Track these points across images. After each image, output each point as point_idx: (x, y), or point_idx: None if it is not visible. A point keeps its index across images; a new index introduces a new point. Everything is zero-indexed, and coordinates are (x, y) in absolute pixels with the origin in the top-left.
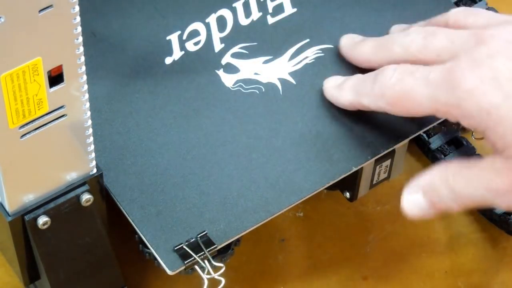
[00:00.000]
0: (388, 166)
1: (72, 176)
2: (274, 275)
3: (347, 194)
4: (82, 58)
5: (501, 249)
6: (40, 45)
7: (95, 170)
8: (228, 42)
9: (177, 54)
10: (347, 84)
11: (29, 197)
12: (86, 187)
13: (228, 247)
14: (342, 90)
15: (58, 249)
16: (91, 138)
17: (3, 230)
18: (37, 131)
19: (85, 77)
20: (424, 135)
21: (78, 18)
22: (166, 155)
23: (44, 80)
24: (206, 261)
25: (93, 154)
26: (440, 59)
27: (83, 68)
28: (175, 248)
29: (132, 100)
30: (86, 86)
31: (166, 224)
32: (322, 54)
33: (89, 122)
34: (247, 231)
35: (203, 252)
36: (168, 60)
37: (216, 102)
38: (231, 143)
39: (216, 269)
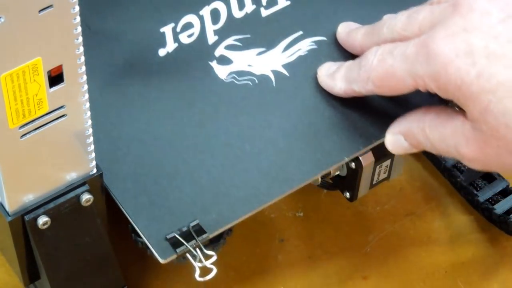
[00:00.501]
0: (388, 166)
1: (72, 176)
2: (274, 275)
3: (347, 194)
4: (82, 58)
5: (501, 249)
6: (40, 45)
7: (95, 170)
8: (222, 34)
9: (170, 46)
10: (339, 73)
11: (29, 197)
12: (86, 187)
13: (220, 236)
14: (335, 79)
15: (58, 249)
16: (91, 138)
17: (3, 230)
18: (37, 131)
19: (85, 77)
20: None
21: (78, 18)
22: (159, 145)
23: (44, 80)
24: (197, 250)
25: (93, 154)
26: (422, 32)
27: (83, 68)
28: (167, 237)
29: (126, 91)
30: (86, 86)
31: (158, 213)
32: (316, 47)
33: (89, 122)
34: (239, 220)
35: (194, 241)
36: (162, 52)
37: (209, 93)
38: (224, 134)
39: (207, 257)
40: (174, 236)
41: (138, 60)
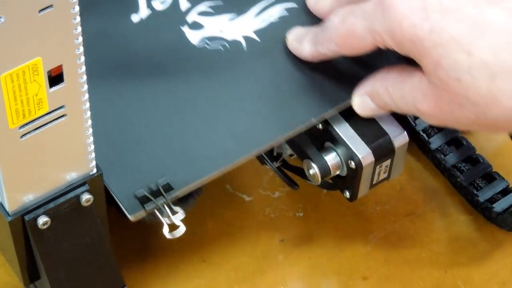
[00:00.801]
0: (388, 166)
1: (72, 176)
2: (274, 275)
3: (347, 194)
4: (82, 58)
5: (501, 248)
6: (40, 45)
7: (95, 170)
8: (194, 0)
9: (144, 12)
10: (306, 37)
11: (29, 197)
12: (86, 187)
13: (189, 195)
14: (302, 44)
15: (58, 249)
16: (91, 138)
17: (3, 230)
18: (37, 131)
19: (85, 77)
20: (424, 135)
21: (78, 18)
22: (131, 107)
23: (44, 80)
24: (166, 207)
25: (93, 154)
26: None
27: (83, 68)
28: (136, 194)
29: (98, 57)
30: (86, 86)
31: (128, 171)
32: (287, 14)
33: (89, 122)
34: (207, 178)
35: (163, 198)
36: (135, 19)
37: (181, 58)
38: (195, 97)
39: (176, 216)
40: (143, 193)
41: (111, 26)
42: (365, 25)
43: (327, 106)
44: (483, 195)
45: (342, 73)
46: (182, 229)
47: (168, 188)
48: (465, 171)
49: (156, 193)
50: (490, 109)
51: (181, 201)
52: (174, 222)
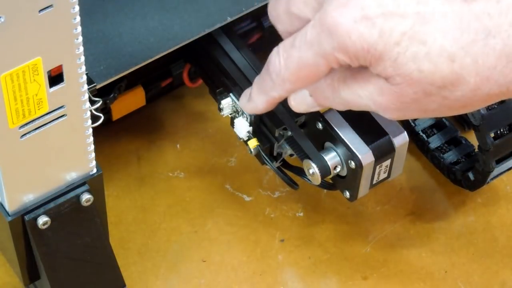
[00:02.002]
0: (388, 166)
1: (72, 176)
2: (274, 275)
3: (347, 194)
4: (82, 58)
5: (501, 249)
6: (40, 45)
7: (95, 170)
8: None
9: None
10: (253, 91)
11: (29, 197)
12: (86, 187)
13: (111, 91)
14: (253, 100)
15: (58, 249)
16: (91, 138)
17: (3, 230)
18: (37, 131)
19: (85, 77)
20: (423, 134)
21: (78, 18)
22: None
23: (44, 80)
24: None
25: (93, 154)
26: (315, 12)
27: (83, 68)
28: None
29: None
30: (86, 86)
31: None
32: None
33: (89, 122)
34: (125, 72)
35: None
36: None
37: None
38: None
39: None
40: None
41: None
42: (315, 52)
43: (243, 6)
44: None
45: None
46: (100, 120)
47: (89, 80)
48: (462, 162)
49: None
50: (456, 88)
51: (103, 96)
52: (92, 111)
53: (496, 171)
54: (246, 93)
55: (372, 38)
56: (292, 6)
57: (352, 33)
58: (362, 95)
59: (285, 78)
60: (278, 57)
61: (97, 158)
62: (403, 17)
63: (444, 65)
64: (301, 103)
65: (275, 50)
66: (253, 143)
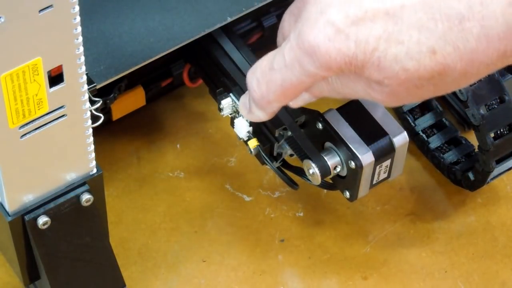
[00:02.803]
0: (388, 166)
1: (72, 176)
2: (274, 275)
3: (347, 194)
4: (82, 58)
5: (501, 249)
6: (40, 45)
7: (95, 170)
8: None
9: None
10: (251, 105)
11: (29, 197)
12: (86, 187)
13: (111, 91)
14: (253, 113)
15: (58, 249)
16: (91, 138)
17: (3, 230)
18: (37, 131)
19: (85, 77)
20: (423, 135)
21: (78, 18)
22: None
23: (44, 80)
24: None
25: (93, 154)
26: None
27: (83, 68)
28: None
29: None
30: (86, 86)
31: None
32: None
33: (89, 122)
34: (126, 72)
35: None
36: None
37: None
38: None
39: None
40: None
41: None
42: (298, 73)
43: (242, 6)
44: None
45: None
46: (100, 120)
47: (89, 81)
48: (462, 161)
49: None
50: (444, 77)
51: (103, 96)
52: (93, 111)
53: (496, 171)
54: (245, 104)
55: (350, 50)
56: (281, 24)
57: (331, 51)
58: (357, 90)
59: (271, 99)
60: (257, 83)
61: (97, 158)
62: (373, 21)
63: (426, 59)
64: (297, 100)
65: (250, 76)
66: (253, 143)
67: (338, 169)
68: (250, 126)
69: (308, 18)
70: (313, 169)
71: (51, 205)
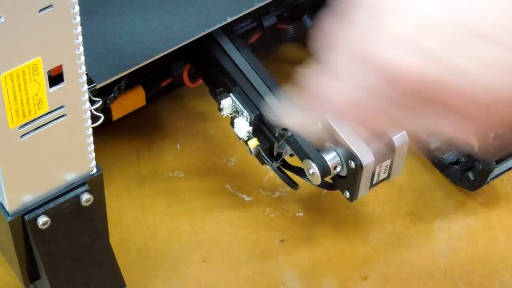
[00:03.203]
0: (388, 166)
1: (72, 176)
2: (274, 275)
3: (347, 194)
4: (82, 58)
5: (501, 249)
6: (40, 45)
7: (95, 170)
8: None
9: None
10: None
11: (29, 197)
12: (86, 187)
13: (111, 90)
14: (309, 112)
15: (58, 249)
16: (91, 138)
17: (3, 230)
18: (37, 131)
19: (85, 77)
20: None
21: (78, 18)
22: None
23: (44, 80)
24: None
25: (93, 154)
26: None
27: (83, 68)
28: None
29: None
30: (86, 86)
31: None
32: None
33: (89, 122)
34: (125, 72)
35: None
36: None
37: None
38: None
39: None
40: None
41: None
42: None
43: (242, 6)
44: None
45: None
46: (100, 120)
47: (89, 80)
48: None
49: None
50: None
51: (103, 96)
52: (92, 111)
53: (496, 171)
54: (295, 114)
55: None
56: (322, 30)
57: (402, 65)
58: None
59: (336, 110)
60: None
61: (97, 158)
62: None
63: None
64: None
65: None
66: (253, 143)
67: (338, 169)
68: (250, 126)
69: (372, 28)
70: (313, 169)
71: (51, 205)
